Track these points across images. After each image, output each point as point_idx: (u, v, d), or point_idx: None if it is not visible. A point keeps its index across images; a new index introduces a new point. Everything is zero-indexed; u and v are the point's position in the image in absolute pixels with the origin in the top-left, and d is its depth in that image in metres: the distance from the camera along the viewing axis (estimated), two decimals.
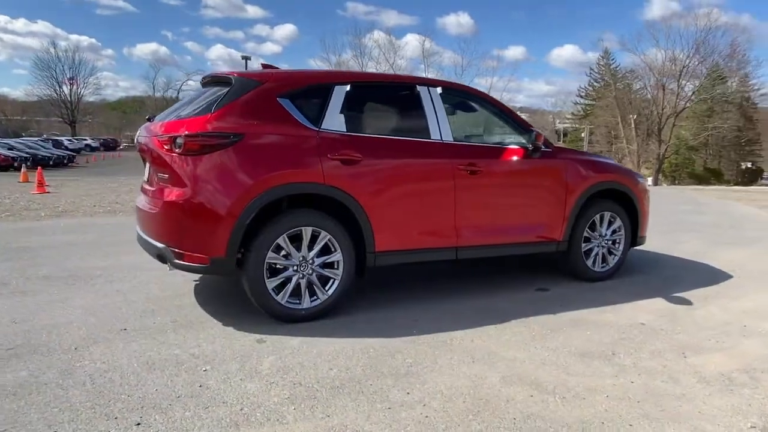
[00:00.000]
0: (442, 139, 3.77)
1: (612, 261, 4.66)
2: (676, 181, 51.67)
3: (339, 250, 3.39)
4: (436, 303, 3.85)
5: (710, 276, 4.94)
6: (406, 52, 59.24)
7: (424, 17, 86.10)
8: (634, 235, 4.77)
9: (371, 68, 55.35)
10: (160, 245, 3.21)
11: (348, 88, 3.51)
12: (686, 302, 4.06)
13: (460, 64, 57.82)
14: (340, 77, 3.60)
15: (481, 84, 57.64)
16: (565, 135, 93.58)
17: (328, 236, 3.35)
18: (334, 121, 3.42)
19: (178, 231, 3.14)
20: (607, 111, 60.69)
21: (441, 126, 3.78)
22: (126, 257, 5.00)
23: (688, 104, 51.17)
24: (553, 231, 4.25)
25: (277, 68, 3.80)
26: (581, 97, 78.66)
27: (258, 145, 3.18)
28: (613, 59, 66.18)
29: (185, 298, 3.82)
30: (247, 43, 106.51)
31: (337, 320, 3.42)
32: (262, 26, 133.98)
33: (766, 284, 4.70)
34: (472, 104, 4.17)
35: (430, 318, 3.52)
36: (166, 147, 3.17)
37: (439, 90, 3.87)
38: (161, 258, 3.27)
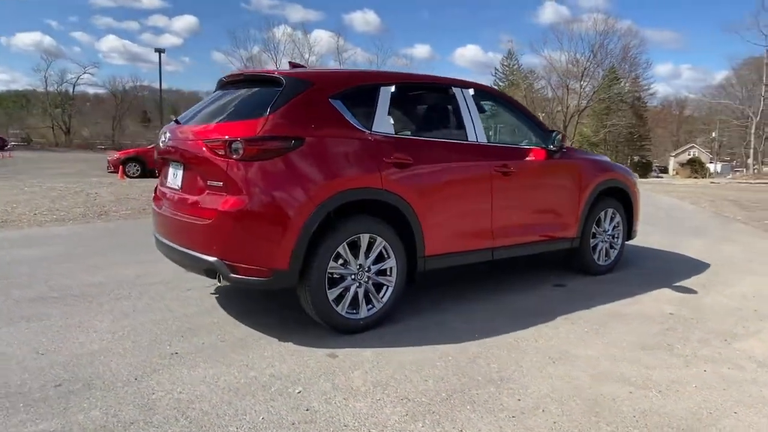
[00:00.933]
0: (477, 141, 3.78)
1: (612, 255, 4.92)
2: None
3: (393, 257, 3.30)
4: (473, 304, 3.86)
5: (692, 266, 5.35)
6: (317, 49, 58.23)
7: (329, 13, 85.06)
8: (629, 230, 5.06)
9: (284, 64, 54.50)
10: (210, 259, 2.94)
11: (393, 89, 3.41)
12: (691, 291, 4.37)
13: (373, 62, 58.13)
14: (385, 77, 3.49)
15: None
16: None
17: (384, 243, 3.25)
18: (383, 123, 3.31)
19: (234, 242, 2.90)
20: None
21: (476, 127, 3.79)
22: (115, 270, 4.54)
23: (589, 103, 55.08)
24: (570, 228, 4.41)
25: (305, 67, 3.61)
26: None
27: (319, 149, 3.01)
28: (516, 60, 69.77)
29: (216, 313, 3.54)
30: (143, 34, 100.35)
31: (393, 328, 3.33)
32: (159, 17, 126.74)
33: (741, 270, 5.18)
34: (496, 105, 4.21)
35: (479, 319, 3.52)
36: (219, 152, 2.91)
37: (471, 91, 3.87)
38: (210, 273, 3.01)
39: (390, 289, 3.33)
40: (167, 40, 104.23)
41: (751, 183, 24.79)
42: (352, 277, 3.18)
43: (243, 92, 3.36)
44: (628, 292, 4.27)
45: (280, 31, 57.88)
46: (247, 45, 64.60)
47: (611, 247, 4.89)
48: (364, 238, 3.17)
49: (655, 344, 3.19)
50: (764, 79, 40.03)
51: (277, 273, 2.91)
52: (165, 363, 2.75)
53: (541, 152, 4.13)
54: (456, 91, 3.80)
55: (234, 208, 2.86)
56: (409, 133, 3.45)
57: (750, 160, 42.57)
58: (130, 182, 14.45)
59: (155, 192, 3.82)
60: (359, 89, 3.30)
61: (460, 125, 3.74)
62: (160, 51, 33.05)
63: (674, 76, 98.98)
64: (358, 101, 3.27)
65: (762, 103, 40.88)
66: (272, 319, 3.44)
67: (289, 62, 3.63)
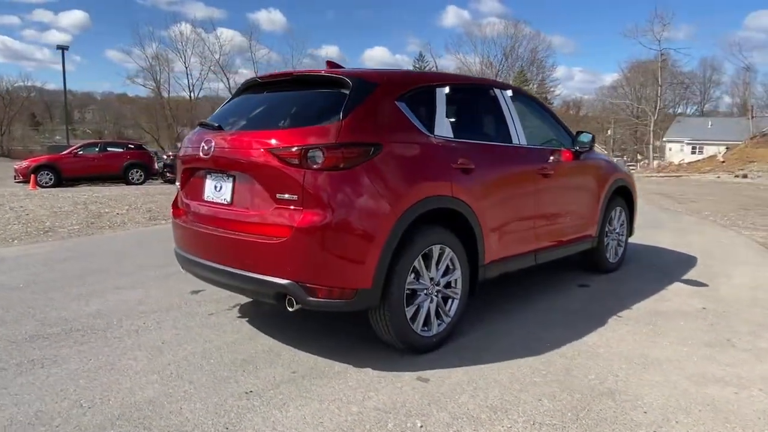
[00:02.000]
0: (520, 143, 3.69)
1: (619, 252, 5.04)
2: None
3: (458, 267, 3.12)
4: (519, 311, 3.77)
5: (681, 259, 5.62)
6: (226, 48, 55.80)
7: (232, 11, 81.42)
8: (630, 227, 5.21)
9: (194, 64, 52.19)
10: (282, 282, 2.61)
11: (447, 90, 3.23)
12: (702, 284, 4.55)
13: (288, 63, 56.97)
14: (437, 78, 3.29)
15: None
16: None
17: (451, 253, 3.06)
18: (443, 126, 3.13)
19: (313, 262, 2.58)
20: None
21: (518, 130, 3.70)
22: (109, 297, 3.98)
23: None
24: (593, 227, 4.45)
25: (342, 67, 3.34)
26: None
27: (395, 155, 2.77)
28: (428, 62, 71.56)
29: (261, 339, 3.18)
30: (26, 30, 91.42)
31: (459, 342, 3.15)
32: (44, 11, 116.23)
33: (729, 262, 5.51)
34: (527, 106, 4.14)
35: (539, 328, 3.43)
36: (292, 161, 2.58)
37: (509, 92, 3.78)
38: (279, 297, 2.67)
39: (456, 302, 3.15)
40: (55, 37, 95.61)
41: (659, 176, 26.95)
42: (426, 291, 2.96)
43: (295, 94, 3.03)
44: (649, 289, 4.37)
45: (184, 29, 54.81)
46: (146, 43, 61.16)
47: (618, 244, 5.01)
48: (435, 250, 2.97)
49: (714, 340, 3.25)
50: (659, 80, 43.85)
51: (360, 293, 2.63)
52: (246, 405, 2.40)
53: (569, 153, 4.12)
54: (497, 92, 3.69)
55: (314, 224, 2.54)
56: (466, 136, 3.28)
57: (651, 155, 46.39)
58: (48, 192, 13.01)
59: (178, 206, 3.37)
60: (419, 91, 3.09)
61: (505, 127, 3.63)
62: (63, 48, 30.26)
63: (567, 78, 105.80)
64: (420, 104, 3.05)
65: (659, 101, 44.69)
66: (327, 341, 3.14)
67: (327, 61, 3.32)
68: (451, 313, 3.12)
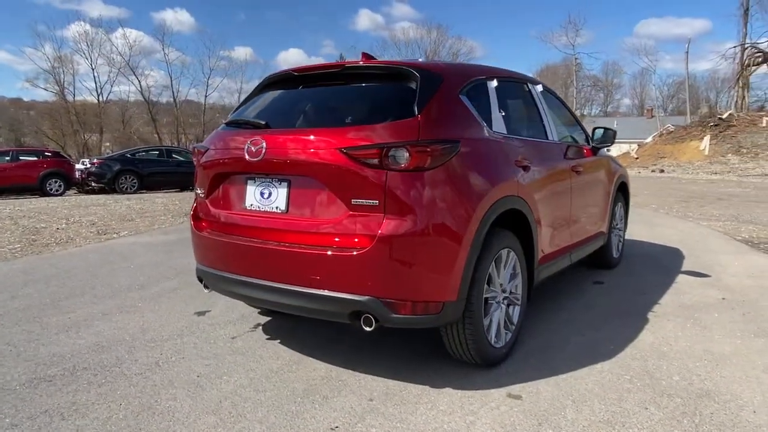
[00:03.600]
0: (555, 139, 3.59)
1: (620, 247, 5.09)
2: None
3: (520, 272, 2.94)
4: (553, 313, 3.65)
5: (668, 251, 5.80)
6: (133, 49, 52.13)
7: (135, 11, 76.06)
8: (625, 222, 5.29)
9: (101, 65, 48.78)
10: (361, 299, 2.30)
11: (495, 83, 3.05)
12: (705, 275, 4.68)
13: (204, 62, 54.57)
14: (486, 71, 3.08)
15: (213, 84, 55.97)
16: None
17: (515, 257, 2.88)
18: (498, 122, 2.94)
19: (398, 274, 2.29)
20: None
21: (551, 125, 3.59)
22: (101, 326, 3.43)
23: None
24: (604, 224, 4.44)
25: (375, 58, 3.07)
26: None
27: (471, 153, 2.54)
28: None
29: (309, 364, 2.82)
30: None
31: (522, 351, 2.97)
32: None
33: (713, 251, 5.74)
34: (551, 102, 4.03)
35: (587, 328, 3.33)
36: (371, 162, 2.27)
37: (540, 87, 3.66)
38: (355, 316, 2.35)
39: (518, 309, 2.97)
40: None
41: None
42: (497, 300, 2.76)
43: (349, 88, 2.72)
44: (661, 282, 4.43)
45: (88, 29, 50.93)
46: (45, 42, 56.60)
47: (619, 240, 5.06)
48: (504, 254, 2.77)
49: (758, 331, 3.29)
50: (574, 82, 46.42)
51: (446, 306, 2.38)
52: None
53: (588, 149, 4.08)
54: (530, 87, 3.56)
55: (399, 232, 2.26)
56: (516, 133, 3.10)
57: None
58: None
59: (201, 217, 2.94)
60: (476, 84, 2.87)
61: (541, 123, 3.51)
62: None
63: None
64: (478, 98, 2.84)
65: (574, 102, 47.30)
66: (384, 360, 2.85)
67: (363, 53, 3.02)
68: (515, 320, 2.94)
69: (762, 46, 32.68)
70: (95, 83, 51.25)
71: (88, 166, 16.95)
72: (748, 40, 32.75)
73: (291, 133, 2.52)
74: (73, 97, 50.99)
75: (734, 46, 33.54)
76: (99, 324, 3.47)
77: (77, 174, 17.02)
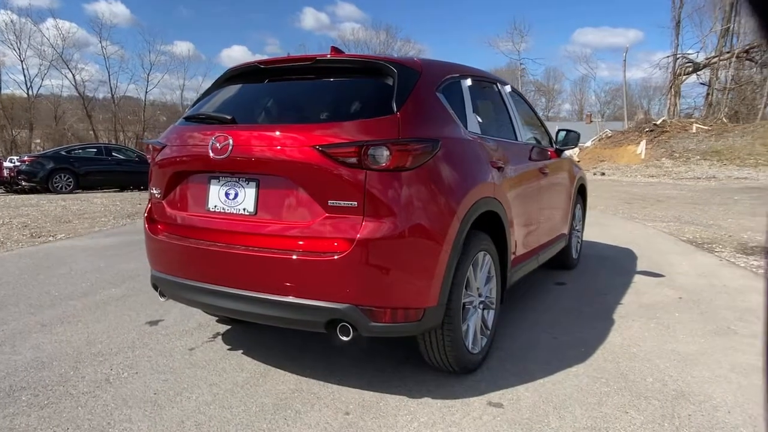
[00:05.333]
0: (523, 141, 3.56)
1: (578, 248, 5.17)
2: None
3: (494, 275, 2.88)
4: (520, 314, 3.63)
5: (622, 251, 5.95)
6: (67, 40, 48.72)
7: (66, 1, 71.43)
8: (582, 224, 5.38)
9: (31, 58, 45.81)
10: (338, 306, 2.16)
11: (469, 82, 2.98)
12: (659, 275, 4.81)
13: (144, 58, 52.26)
14: (459, 69, 2.99)
15: (153, 80, 54.05)
16: None
17: (490, 260, 2.82)
18: (473, 121, 2.87)
19: (378, 280, 2.16)
20: None
21: (519, 126, 3.57)
22: (42, 338, 3.11)
23: None
24: (566, 225, 4.48)
25: (343, 52, 2.94)
26: None
27: (450, 153, 2.44)
28: None
29: (276, 376, 2.65)
30: None
31: (495, 356, 2.91)
32: None
33: (661, 251, 5.94)
34: (518, 103, 4.01)
35: (557, 331, 3.32)
36: (349, 161, 2.13)
37: (508, 88, 3.63)
38: (332, 325, 2.20)
39: (493, 313, 2.90)
40: None
41: None
42: (473, 304, 2.68)
43: (321, 83, 2.56)
44: (619, 282, 4.52)
45: (9, 18, 47.69)
46: None
47: (578, 241, 5.13)
48: (480, 257, 2.69)
49: (718, 330, 3.37)
50: (519, 86, 47.66)
51: (427, 312, 2.27)
52: None
53: (552, 151, 4.09)
54: (500, 87, 3.52)
55: (380, 235, 2.13)
56: (488, 133, 3.04)
57: None
58: None
59: (156, 219, 2.70)
60: (451, 82, 2.79)
61: (511, 124, 3.47)
62: None
63: None
64: (453, 96, 2.75)
65: None
66: (352, 369, 2.71)
67: (332, 47, 2.87)
68: (490, 325, 2.87)
69: (692, 57, 34.69)
70: (24, 76, 48.20)
71: (18, 163, 15.80)
72: (680, 51, 34.66)
73: (260, 129, 2.34)
74: None
75: (667, 56, 35.42)
76: (38, 337, 3.15)
77: (5, 172, 15.85)
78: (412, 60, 2.63)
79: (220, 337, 3.18)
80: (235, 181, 2.38)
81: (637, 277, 4.70)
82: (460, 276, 2.44)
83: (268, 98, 2.66)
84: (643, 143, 29.21)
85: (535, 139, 4.09)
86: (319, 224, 2.18)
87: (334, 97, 2.53)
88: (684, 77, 34.98)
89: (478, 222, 2.59)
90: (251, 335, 3.19)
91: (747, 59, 33.49)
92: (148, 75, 53.03)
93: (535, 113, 4.25)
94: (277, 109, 2.58)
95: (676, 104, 35.73)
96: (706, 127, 29.98)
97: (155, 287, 2.75)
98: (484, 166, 2.71)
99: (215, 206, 2.43)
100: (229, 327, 3.34)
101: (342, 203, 2.15)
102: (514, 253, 3.12)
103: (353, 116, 2.30)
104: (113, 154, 16.76)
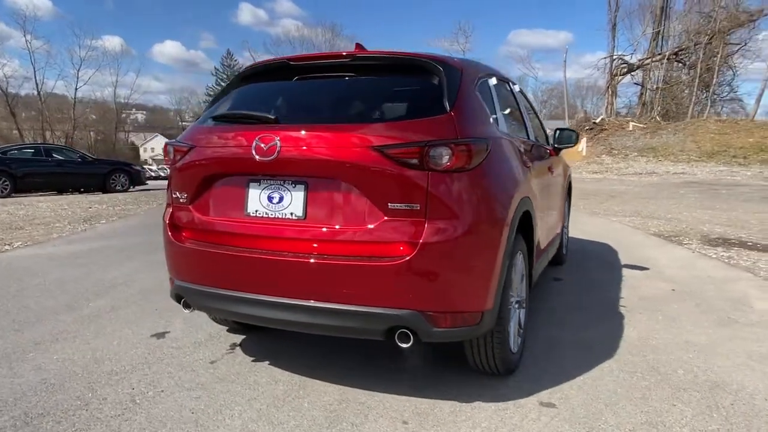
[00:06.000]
0: (534, 140, 3.60)
1: (566, 243, 5.30)
2: None
3: (525, 273, 2.89)
4: (532, 314, 3.67)
5: (601, 245, 6.15)
6: None
7: None
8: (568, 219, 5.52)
9: None
10: (399, 312, 2.08)
11: (494, 81, 2.97)
12: (644, 268, 5.01)
13: (49, 52, 49.05)
14: (485, 69, 2.96)
15: (83, 77, 51.55)
16: None
17: (522, 259, 2.82)
18: (501, 121, 2.86)
19: (441, 284, 2.10)
20: None
21: (530, 125, 3.60)
22: (41, 357, 2.85)
23: None
24: (561, 222, 4.57)
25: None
26: (210, 96, 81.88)
27: (497, 153, 2.41)
28: (236, 60, 70.44)
29: (315, 387, 2.54)
30: None
31: (528, 355, 2.92)
32: None
33: (637, 245, 6.18)
34: (521, 101, 4.04)
35: (575, 329, 3.37)
36: (411, 162, 2.06)
37: (517, 88, 3.65)
38: (391, 333, 2.13)
39: (525, 312, 2.91)
40: None
41: None
42: (513, 305, 2.67)
43: (362, 80, 2.46)
44: (612, 277, 4.67)
45: None
46: None
47: (565, 236, 5.25)
48: (518, 257, 2.69)
49: (720, 320, 3.53)
50: None
51: (485, 315, 2.23)
52: None
53: (551, 150, 4.16)
54: (511, 86, 3.53)
55: (444, 238, 2.07)
56: (512, 132, 3.03)
57: None
58: None
59: (182, 225, 2.52)
60: (483, 81, 2.76)
61: (524, 124, 3.49)
62: None
63: None
64: (485, 96, 2.73)
65: None
66: (393, 375, 2.64)
67: (357, 44, 2.78)
68: (523, 324, 2.87)
69: (626, 58, 36.52)
70: None
71: None
72: (616, 53, 36.39)
73: (311, 129, 2.21)
74: None
75: (605, 57, 37.13)
76: (35, 356, 2.88)
77: None
78: (452, 58, 2.58)
79: (238, 348, 3.02)
80: (280, 184, 2.25)
81: (625, 271, 4.86)
82: (509, 277, 2.42)
83: (305, 97, 2.54)
84: (584, 141, 30.42)
85: (537, 137, 4.13)
86: (379, 228, 2.10)
87: (380, 95, 2.45)
88: (620, 77, 36.77)
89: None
90: (270, 345, 3.05)
91: (676, 61, 35.63)
92: (78, 71, 50.27)
93: (535, 112, 4.30)
94: (319, 108, 2.47)
95: (613, 103, 37.50)
96: (641, 125, 31.63)
97: (178, 298, 2.56)
98: (520, 165, 2.70)
99: (256, 211, 2.29)
100: (243, 337, 3.18)
101: (403, 206, 2.07)
102: (536, 253, 3.14)
103: (407, 115, 2.24)
104: (53, 154, 15.72)
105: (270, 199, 2.27)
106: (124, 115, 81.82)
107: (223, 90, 2.76)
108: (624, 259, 5.37)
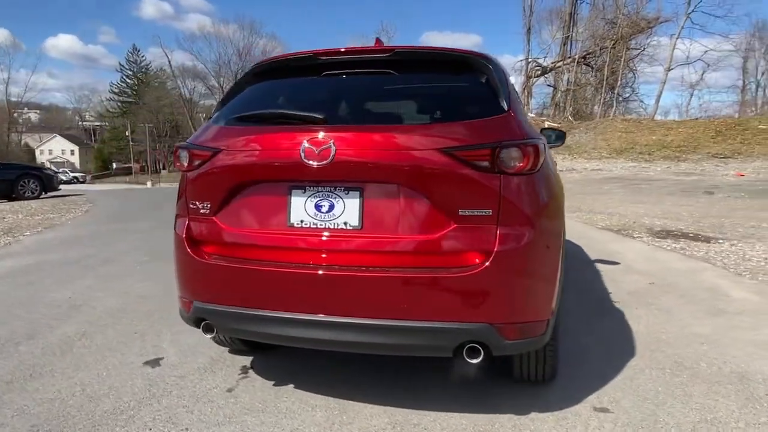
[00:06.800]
0: None
1: None
2: None
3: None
4: None
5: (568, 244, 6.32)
6: None
7: None
8: None
9: None
10: (474, 327, 1.95)
11: (513, 79, 2.91)
12: (615, 263, 5.20)
13: None
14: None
15: None
16: (94, 134, 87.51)
17: None
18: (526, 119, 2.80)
19: (515, 294, 1.99)
20: (148, 109, 61.63)
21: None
22: (16, 400, 2.42)
23: None
24: None
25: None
26: (116, 93, 77.29)
27: (547, 153, 2.34)
28: (143, 56, 67.36)
29: (355, 409, 2.34)
30: None
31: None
32: None
33: (594, 240, 6.42)
34: None
35: (585, 329, 3.40)
36: (481, 165, 1.92)
37: (516, 86, 3.62)
38: (459, 350, 1.98)
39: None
40: None
41: None
42: None
43: (406, 77, 2.27)
44: (590, 273, 4.80)
45: None
46: None
47: None
48: None
49: (710, 310, 3.69)
50: None
51: (549, 323, 2.15)
52: None
53: None
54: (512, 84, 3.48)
55: (518, 245, 1.96)
56: None
57: None
58: None
59: (210, 238, 2.22)
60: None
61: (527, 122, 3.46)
62: None
63: None
64: (515, 94, 2.65)
65: None
66: (431, 393, 2.50)
67: (377, 39, 2.60)
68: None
69: (540, 61, 38.48)
70: None
71: None
72: (531, 56, 38.25)
73: (372, 130, 2.01)
74: None
75: (521, 60, 38.92)
76: (12, 398, 2.45)
77: None
78: (488, 54, 2.47)
79: (252, 371, 2.74)
80: (330, 191, 2.03)
81: (600, 266, 5.01)
82: (562, 280, 2.35)
83: (344, 95, 2.32)
84: None
85: None
86: (448, 236, 1.95)
87: (430, 93, 2.29)
88: (534, 79, 38.68)
89: None
90: (283, 365, 2.80)
91: (585, 64, 38.02)
92: None
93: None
94: (363, 107, 2.27)
95: (528, 104, 39.34)
96: (556, 125, 33.41)
97: (198, 322, 2.26)
98: (554, 165, 2.65)
99: (301, 221, 2.06)
100: (251, 358, 2.90)
101: (475, 212, 1.94)
102: None
103: (468, 115, 2.09)
104: None
105: (318, 207, 2.04)
106: (15, 115, 74.90)
107: (236, 86, 2.47)
108: (592, 255, 5.53)
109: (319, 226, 2.04)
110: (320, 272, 2.01)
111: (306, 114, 2.08)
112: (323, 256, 2.03)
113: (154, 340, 3.16)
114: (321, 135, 1.98)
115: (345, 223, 2.02)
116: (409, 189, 1.96)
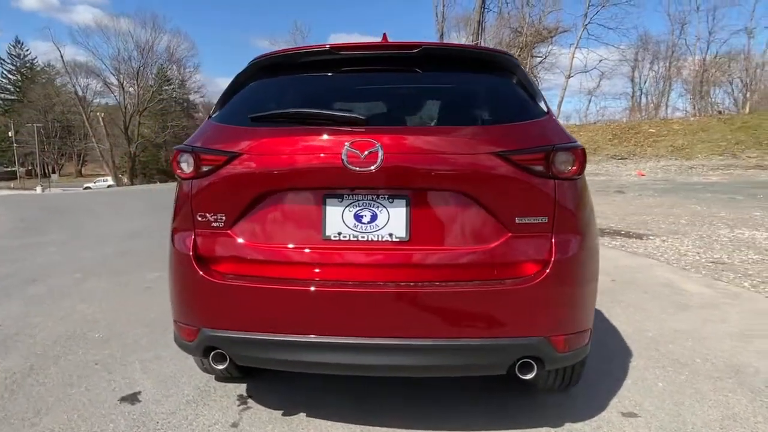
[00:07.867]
0: None
1: None
2: (147, 178, 53.64)
3: None
4: None
5: None
6: None
7: None
8: None
9: None
10: (531, 341, 1.84)
11: None
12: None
13: None
14: None
15: None
16: None
17: None
18: None
19: (570, 305, 1.91)
20: (35, 107, 57.01)
21: None
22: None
23: (149, 104, 53.45)
24: None
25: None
26: None
27: None
28: (29, 51, 62.17)
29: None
30: None
31: None
32: None
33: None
34: None
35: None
36: (536, 169, 1.82)
37: None
38: (512, 366, 1.87)
39: None
40: None
41: None
42: None
43: (432, 76, 2.10)
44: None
45: None
46: None
47: None
48: None
49: (676, 305, 3.88)
50: None
51: (591, 333, 2.09)
52: None
53: None
54: None
55: (573, 253, 1.88)
56: None
57: None
58: None
59: (226, 255, 1.94)
60: None
61: None
62: None
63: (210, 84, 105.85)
64: None
65: None
66: (455, 412, 2.38)
67: (384, 34, 2.42)
68: None
69: None
70: None
71: None
72: None
73: (420, 132, 1.83)
74: None
75: None
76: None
77: None
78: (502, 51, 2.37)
79: (251, 400, 2.46)
80: (371, 200, 1.84)
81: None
82: None
83: (372, 94, 2.13)
84: None
85: None
86: (504, 246, 1.83)
87: (467, 94, 2.14)
88: None
89: None
90: (280, 390, 2.55)
91: None
92: None
93: None
94: (397, 107, 2.09)
95: None
96: None
97: (206, 352, 1.97)
98: None
99: (339, 233, 1.84)
100: (244, 385, 2.61)
101: (531, 219, 1.83)
102: None
103: (512, 117, 1.97)
104: None
105: (358, 218, 1.84)
106: None
107: (237, 83, 2.19)
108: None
109: (360, 239, 1.84)
110: (362, 290, 1.81)
111: (348, 114, 1.86)
112: (366, 272, 1.83)
113: (122, 372, 2.77)
114: (366, 138, 1.78)
115: (391, 235, 1.83)
116: (462, 195, 1.82)
